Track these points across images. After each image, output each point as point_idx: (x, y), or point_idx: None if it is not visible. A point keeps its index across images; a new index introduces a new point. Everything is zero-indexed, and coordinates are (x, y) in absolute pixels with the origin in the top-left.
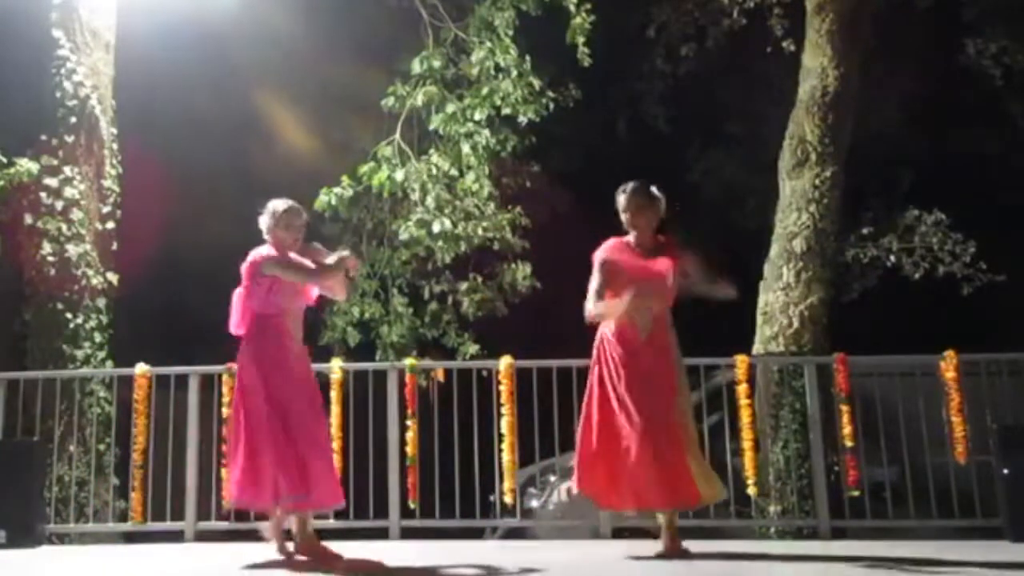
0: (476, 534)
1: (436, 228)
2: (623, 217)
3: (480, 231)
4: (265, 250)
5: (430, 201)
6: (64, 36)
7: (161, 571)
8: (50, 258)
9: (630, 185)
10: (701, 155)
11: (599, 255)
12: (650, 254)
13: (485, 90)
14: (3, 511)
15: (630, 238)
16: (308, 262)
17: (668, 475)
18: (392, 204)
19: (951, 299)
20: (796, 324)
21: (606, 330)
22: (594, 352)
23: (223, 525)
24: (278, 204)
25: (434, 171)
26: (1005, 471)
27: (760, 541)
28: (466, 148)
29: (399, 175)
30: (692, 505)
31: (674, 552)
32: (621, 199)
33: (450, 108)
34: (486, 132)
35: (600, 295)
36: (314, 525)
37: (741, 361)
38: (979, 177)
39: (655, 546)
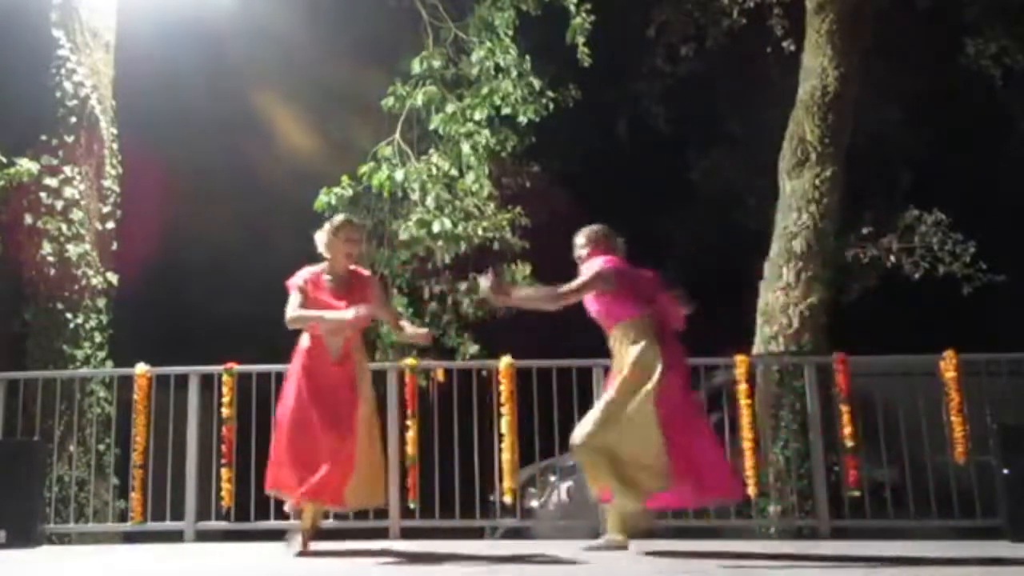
0: (476, 534)
1: (436, 228)
2: None
3: (480, 231)
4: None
5: (430, 201)
6: (64, 36)
7: (161, 571)
8: (50, 258)
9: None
10: (701, 155)
11: None
12: None
13: (485, 90)
14: (3, 511)
15: None
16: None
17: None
18: (392, 204)
19: (951, 299)
20: (796, 324)
21: None
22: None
23: (223, 525)
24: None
25: (434, 171)
26: (1005, 471)
27: (760, 541)
28: (466, 148)
29: (399, 175)
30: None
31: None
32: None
33: (450, 108)
34: (486, 132)
35: None
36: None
37: (741, 361)
38: (979, 177)
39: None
